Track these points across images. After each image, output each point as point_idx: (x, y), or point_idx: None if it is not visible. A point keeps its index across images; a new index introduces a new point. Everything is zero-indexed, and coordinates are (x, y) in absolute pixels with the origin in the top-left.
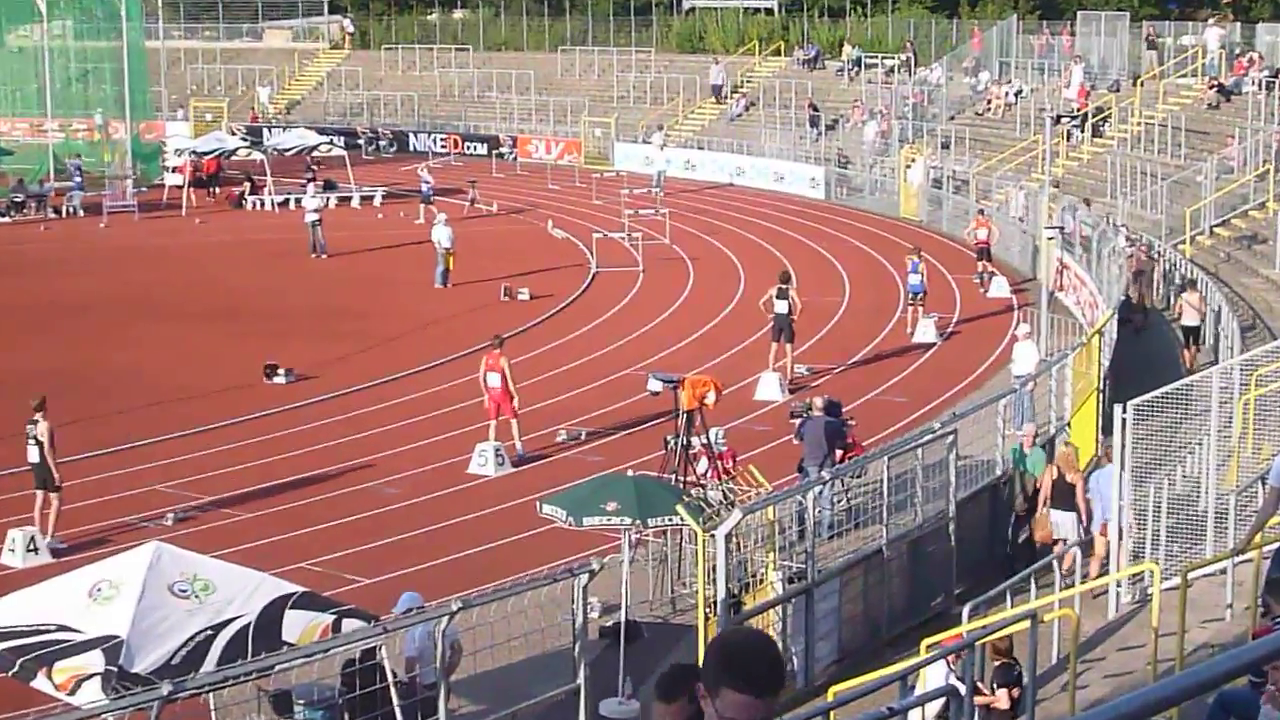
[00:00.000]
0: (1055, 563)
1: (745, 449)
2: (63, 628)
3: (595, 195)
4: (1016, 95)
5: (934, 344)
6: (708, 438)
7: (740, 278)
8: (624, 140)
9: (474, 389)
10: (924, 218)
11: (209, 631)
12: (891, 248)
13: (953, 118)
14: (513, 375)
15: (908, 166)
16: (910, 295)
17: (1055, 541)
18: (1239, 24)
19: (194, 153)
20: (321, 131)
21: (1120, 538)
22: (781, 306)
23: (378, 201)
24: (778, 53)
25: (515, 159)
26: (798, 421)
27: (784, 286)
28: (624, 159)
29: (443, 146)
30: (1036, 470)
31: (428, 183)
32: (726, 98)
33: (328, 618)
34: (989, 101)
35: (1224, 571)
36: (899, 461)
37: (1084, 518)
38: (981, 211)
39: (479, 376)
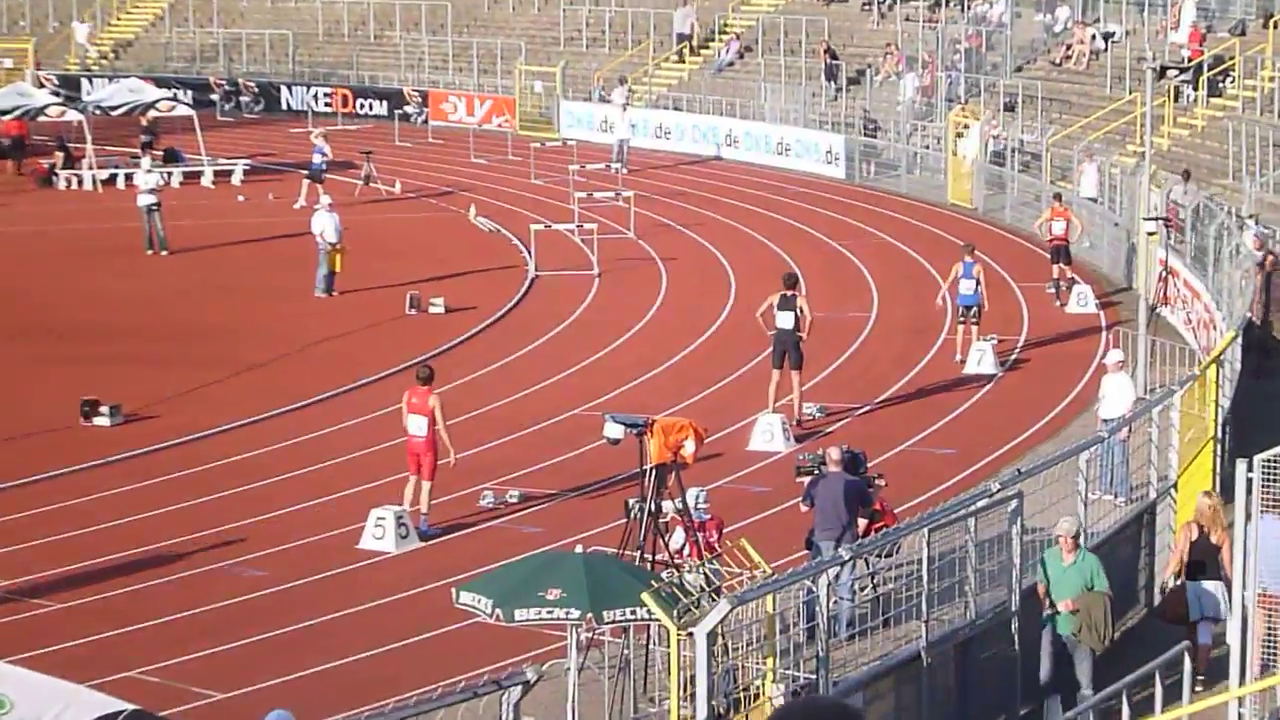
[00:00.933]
0: (1186, 655)
1: (736, 517)
2: None
3: (535, 172)
4: (1106, 39)
5: (993, 376)
6: (684, 502)
7: (730, 285)
8: (573, 98)
9: (368, 435)
10: (980, 205)
11: None
12: (936, 245)
13: (1020, 69)
14: (444, 418)
15: (959, 135)
16: (961, 310)
17: (1192, 622)
18: None
19: None
20: (160, 83)
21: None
22: (785, 321)
23: (238, 178)
24: None
25: (426, 122)
26: (807, 481)
27: (789, 294)
28: (573, 123)
29: (326, 105)
30: (1069, 591)
31: (323, 154)
32: (703, 44)
33: None
34: (1069, 47)
35: None
36: (944, 535)
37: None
38: (1058, 197)
39: (403, 417)
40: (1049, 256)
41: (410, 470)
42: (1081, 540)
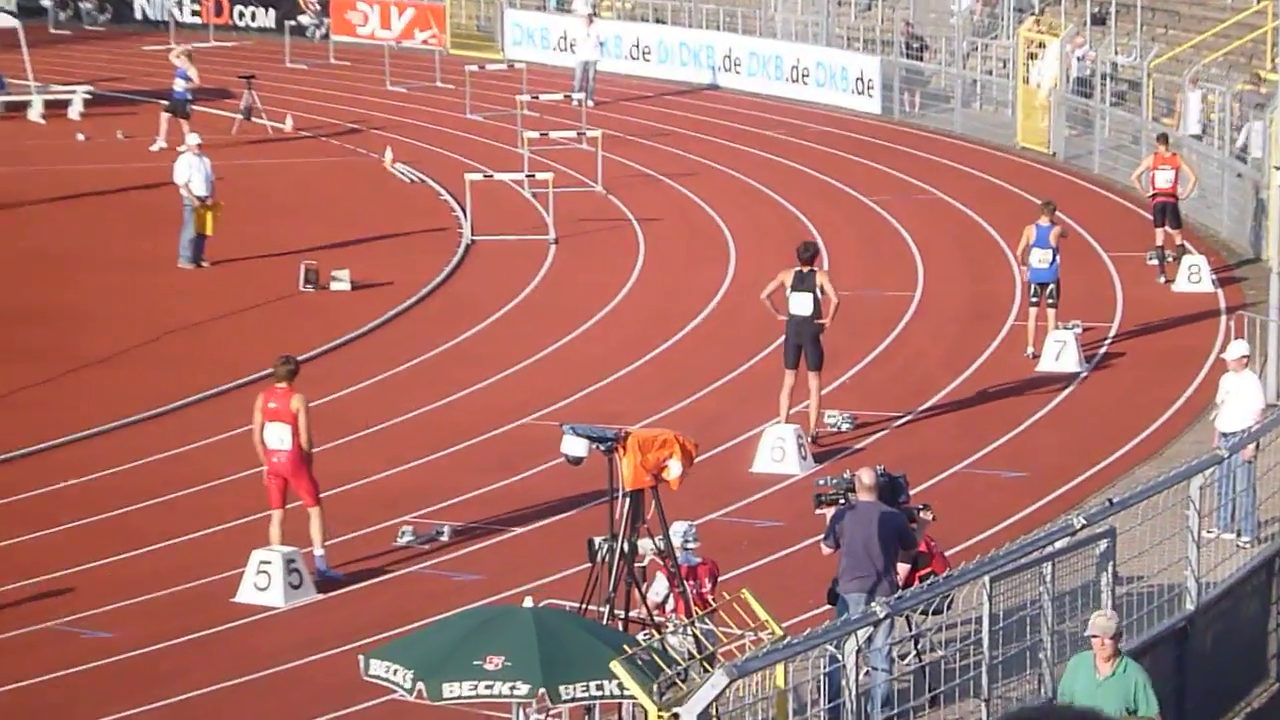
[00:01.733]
0: None
1: (735, 561)
2: None
3: (470, 105)
4: None
5: (1076, 375)
6: (667, 540)
7: (729, 255)
8: (522, 5)
9: (246, 453)
10: (1060, 149)
11: None
12: (1002, 203)
13: None
14: (311, 428)
15: (1032, 57)
16: (1034, 289)
17: None
18: None
19: None
20: None
21: None
22: (801, 305)
23: (76, 111)
24: None
25: (326, 37)
26: (830, 513)
27: (806, 270)
28: (522, 40)
29: (194, 14)
30: (1111, 705)
31: (187, 79)
32: None
33: None
34: None
35: None
36: (1012, 586)
37: None
38: (1164, 139)
39: (253, 430)
40: (1152, 218)
41: (272, 502)
42: (1123, 643)
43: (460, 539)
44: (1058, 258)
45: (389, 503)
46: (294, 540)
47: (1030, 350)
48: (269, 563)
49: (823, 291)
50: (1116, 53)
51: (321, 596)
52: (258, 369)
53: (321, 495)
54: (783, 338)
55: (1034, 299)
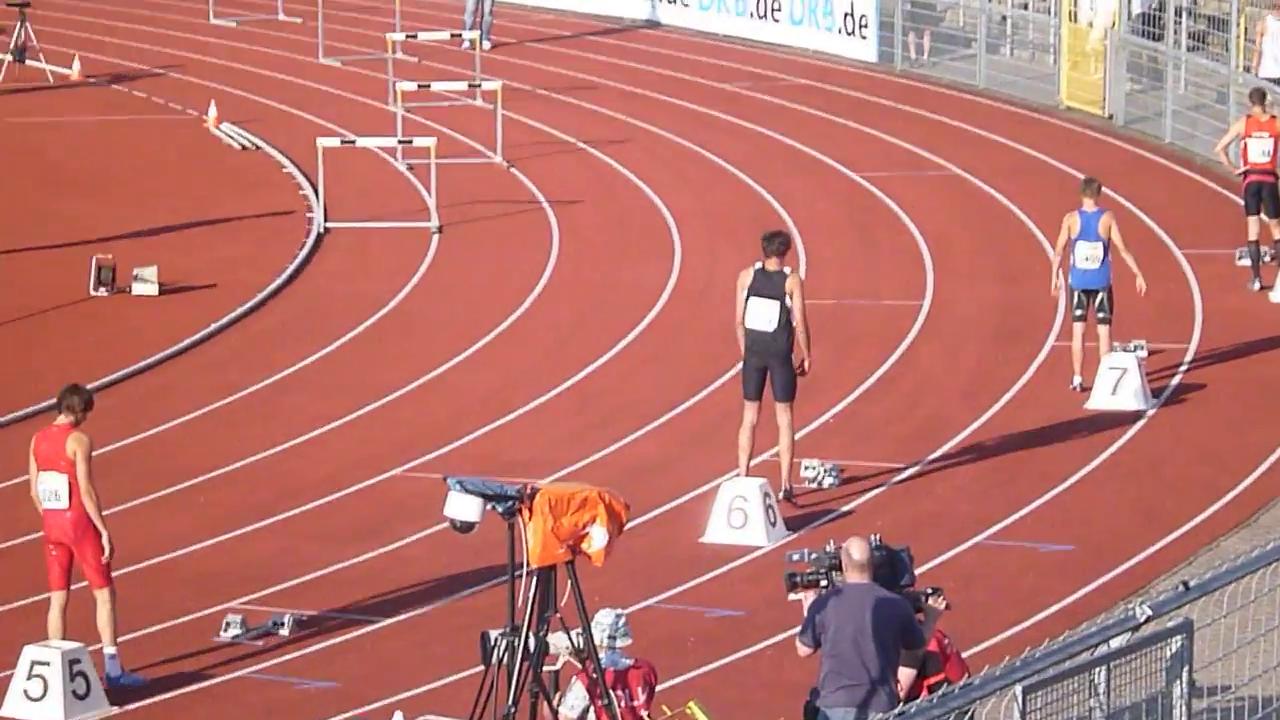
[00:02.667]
0: None
1: (678, 665)
2: None
3: (324, 46)
4: None
5: (1138, 413)
6: (588, 635)
7: (673, 248)
8: None
9: (16, 513)
10: (1119, 110)
11: None
12: (1039, 181)
13: None
14: (92, 478)
15: None
16: (1079, 296)
17: None
18: None
19: None
20: None
21: None
22: (763, 314)
23: None
24: None
25: None
26: (808, 599)
27: (771, 268)
28: None
29: None
30: None
31: None
32: None
33: None
34: None
35: None
36: (1052, 699)
37: None
38: (1260, 97)
39: (30, 481)
40: (1244, 203)
41: (51, 580)
42: None
43: (307, 632)
44: (1109, 255)
45: (210, 583)
46: (79, 633)
47: (1077, 380)
48: (45, 664)
49: (791, 298)
50: None
51: (115, 710)
52: (32, 400)
53: (114, 573)
54: (741, 362)
55: (1079, 311)
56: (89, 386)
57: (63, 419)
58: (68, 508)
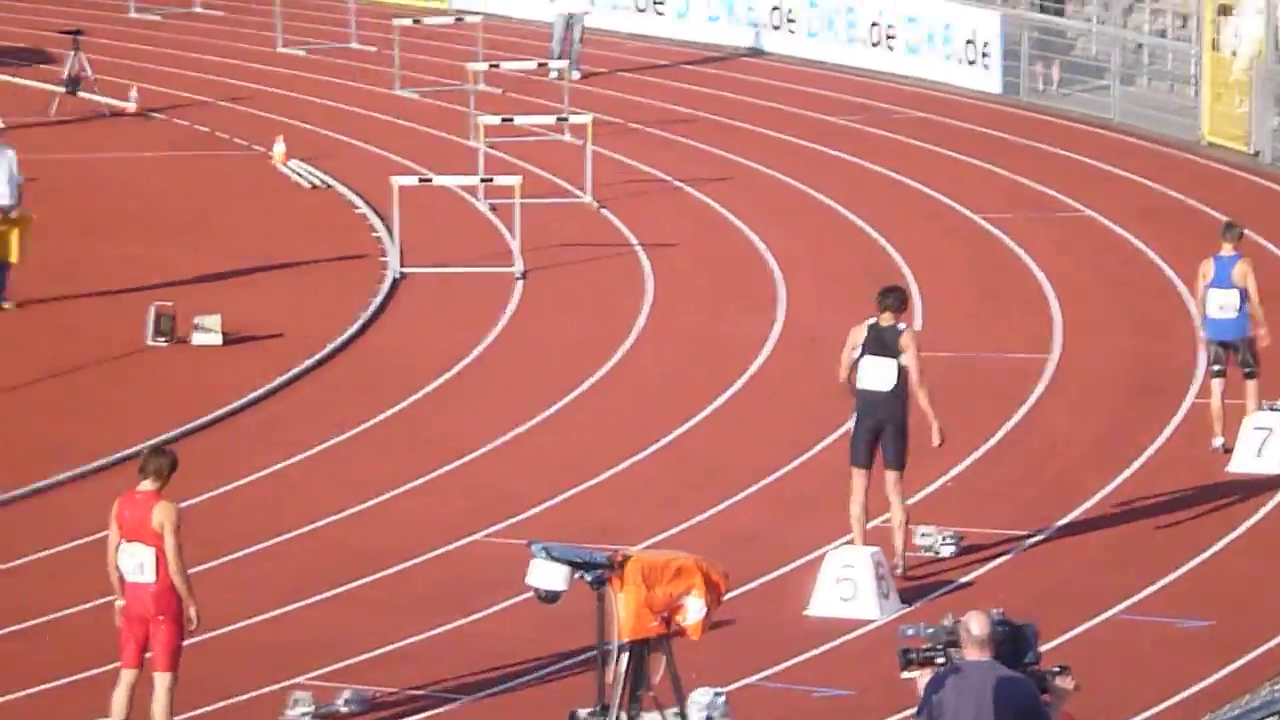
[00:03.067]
0: None
1: None
2: None
3: (400, 76)
4: None
5: None
6: (683, 716)
7: (777, 297)
8: None
9: (73, 578)
10: (1263, 147)
11: None
12: (1179, 224)
13: None
14: (181, 552)
15: (1224, 10)
16: (1214, 350)
17: None
18: None
19: None
20: None
21: None
22: (878, 374)
23: None
24: None
25: None
26: (923, 677)
27: (887, 324)
28: None
29: None
30: None
31: None
32: None
33: None
34: None
35: None
36: None
37: None
38: None
39: (108, 551)
40: None
41: (124, 657)
42: None
43: (379, 711)
44: (1246, 304)
45: (274, 657)
46: (140, 711)
47: (1219, 441)
48: None
49: (909, 357)
50: None
51: None
52: (89, 457)
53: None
54: (853, 422)
55: (1217, 366)
56: (145, 444)
57: (148, 484)
58: (154, 581)
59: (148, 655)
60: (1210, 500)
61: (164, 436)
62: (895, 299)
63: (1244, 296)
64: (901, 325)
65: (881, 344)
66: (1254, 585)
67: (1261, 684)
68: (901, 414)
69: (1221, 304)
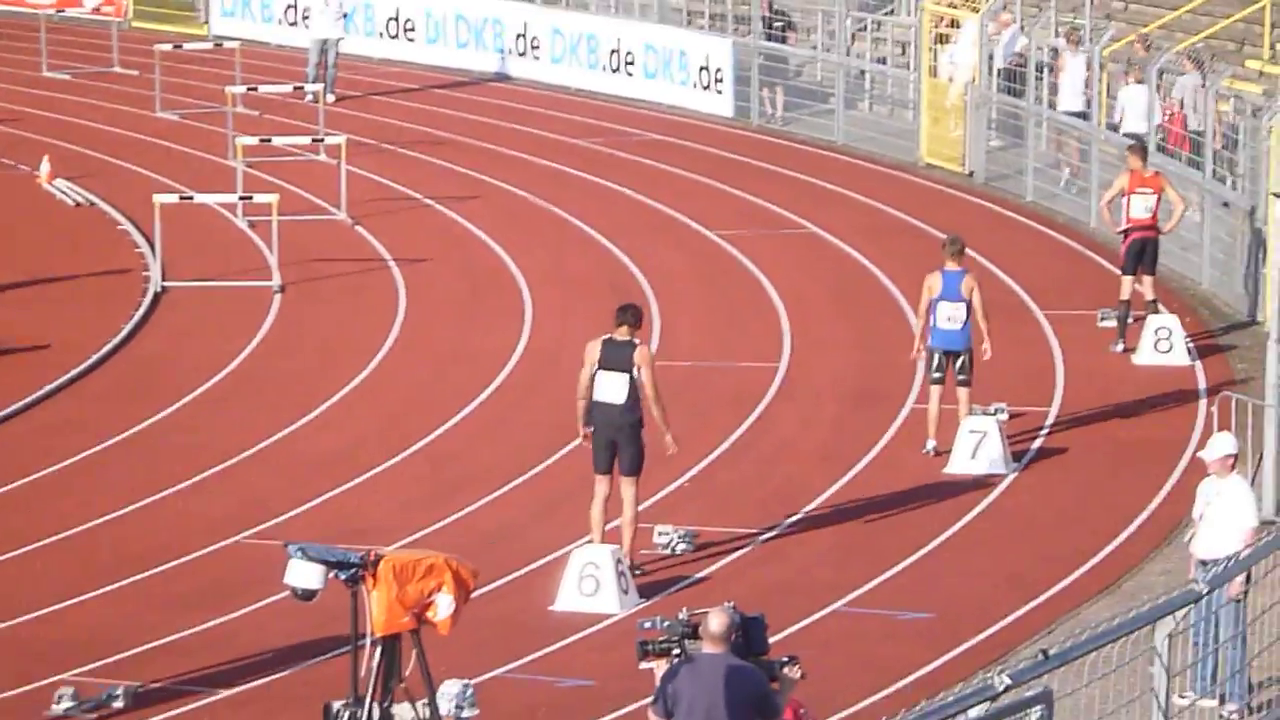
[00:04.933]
0: None
1: None
2: None
3: (161, 99)
4: None
5: (998, 478)
6: (433, 707)
7: (523, 309)
8: None
9: None
10: (978, 168)
11: None
12: (899, 241)
13: None
14: None
15: (941, 40)
16: (938, 359)
17: None
18: None
19: None
20: None
21: None
22: (612, 387)
23: None
24: None
25: None
26: (660, 667)
27: (620, 339)
28: (234, 10)
29: None
30: None
31: None
32: None
33: None
34: None
35: None
36: None
37: None
38: (1141, 152)
39: None
40: (1122, 262)
41: None
42: None
43: (143, 705)
44: (970, 317)
45: (42, 653)
46: None
47: (931, 444)
48: None
49: (639, 371)
50: (1057, 33)
51: None
52: None
53: None
54: (586, 431)
55: (937, 373)
56: None
57: None
58: None
59: None
60: (929, 500)
61: None
62: (629, 315)
63: (969, 309)
64: (636, 341)
65: (617, 358)
66: (970, 579)
67: (975, 671)
68: (634, 425)
69: (949, 315)
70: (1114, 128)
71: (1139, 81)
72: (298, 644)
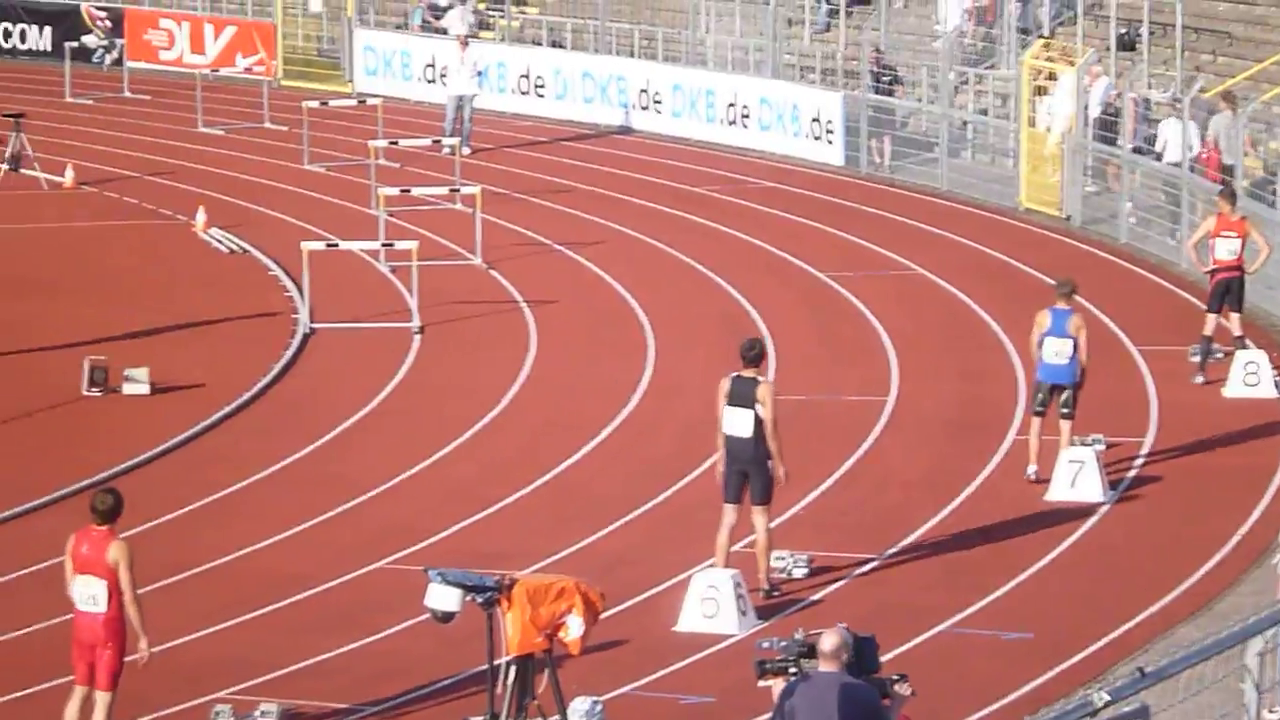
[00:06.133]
0: None
1: None
2: None
3: (309, 153)
4: None
5: (1097, 505)
6: None
7: (646, 348)
8: (376, 24)
9: (16, 609)
10: (1075, 212)
11: None
12: (1000, 281)
13: None
14: (135, 586)
15: (1040, 92)
16: (1043, 390)
17: None
18: None
19: None
20: None
21: None
22: (739, 422)
23: None
24: None
25: (120, 64)
26: (777, 685)
27: (746, 375)
28: (377, 69)
29: None
30: None
31: None
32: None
33: None
34: None
35: None
36: None
37: None
38: (1230, 197)
39: (66, 581)
40: (1208, 299)
41: (77, 675)
42: None
43: None
44: (1075, 353)
45: (199, 673)
46: None
47: (1032, 469)
48: None
49: (764, 407)
50: (1151, 86)
51: None
52: (26, 498)
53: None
54: (718, 461)
55: (1040, 407)
56: (80, 485)
57: (100, 524)
58: (104, 611)
59: None
60: (1030, 526)
61: (99, 476)
62: (753, 353)
63: (1075, 347)
64: (760, 378)
65: (741, 395)
66: (1070, 601)
67: (1076, 689)
68: (763, 456)
69: (1056, 350)
70: (1158, 157)
71: (1181, 117)
72: (436, 664)
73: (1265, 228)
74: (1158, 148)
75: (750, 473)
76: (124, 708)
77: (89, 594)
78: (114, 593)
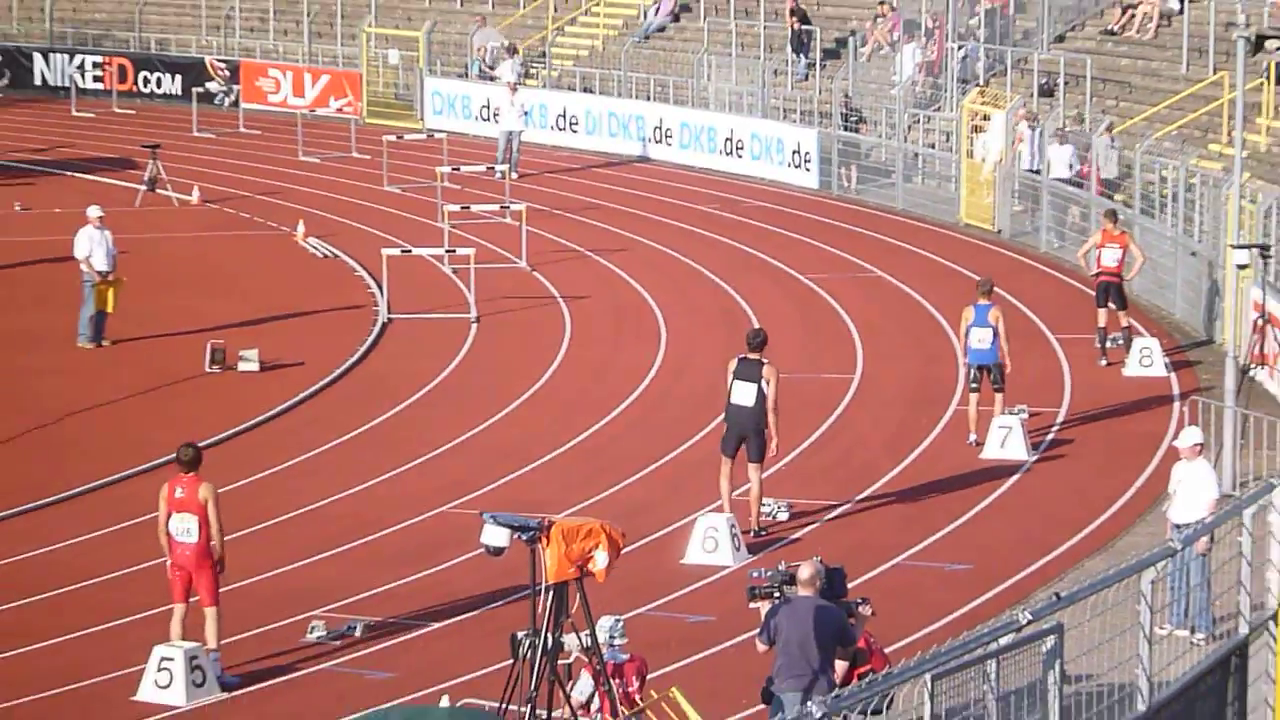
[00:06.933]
0: None
1: (665, 659)
2: None
3: (388, 177)
4: None
5: (1022, 463)
6: (593, 636)
7: (660, 335)
8: (443, 73)
9: (148, 543)
10: (1005, 227)
11: None
12: (944, 281)
13: (1062, 39)
14: (221, 520)
15: (976, 130)
16: (973, 371)
17: None
18: None
19: None
20: None
21: None
22: (745, 395)
23: None
24: None
25: (236, 105)
26: (765, 608)
27: (752, 358)
28: (443, 109)
29: (96, 80)
30: None
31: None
32: None
33: None
34: (1129, 10)
35: None
36: (954, 685)
37: None
38: (1112, 216)
39: (159, 520)
40: (1096, 297)
41: (174, 595)
42: None
43: (374, 635)
44: (998, 338)
45: (298, 597)
46: (194, 635)
47: (972, 437)
48: (171, 659)
49: (766, 383)
50: (1065, 124)
51: (225, 695)
52: (161, 454)
53: (221, 589)
54: (716, 421)
55: (974, 383)
56: (202, 444)
57: (186, 471)
58: (196, 542)
59: (193, 600)
60: (970, 480)
61: (218, 437)
62: (759, 338)
63: (995, 334)
64: (764, 360)
65: (748, 372)
66: (1001, 539)
67: (1004, 610)
68: (760, 423)
69: (980, 338)
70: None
71: (1063, 142)
72: (490, 590)
73: (1149, 235)
74: (1042, 166)
75: (748, 436)
76: (236, 623)
77: (184, 528)
78: (203, 525)
